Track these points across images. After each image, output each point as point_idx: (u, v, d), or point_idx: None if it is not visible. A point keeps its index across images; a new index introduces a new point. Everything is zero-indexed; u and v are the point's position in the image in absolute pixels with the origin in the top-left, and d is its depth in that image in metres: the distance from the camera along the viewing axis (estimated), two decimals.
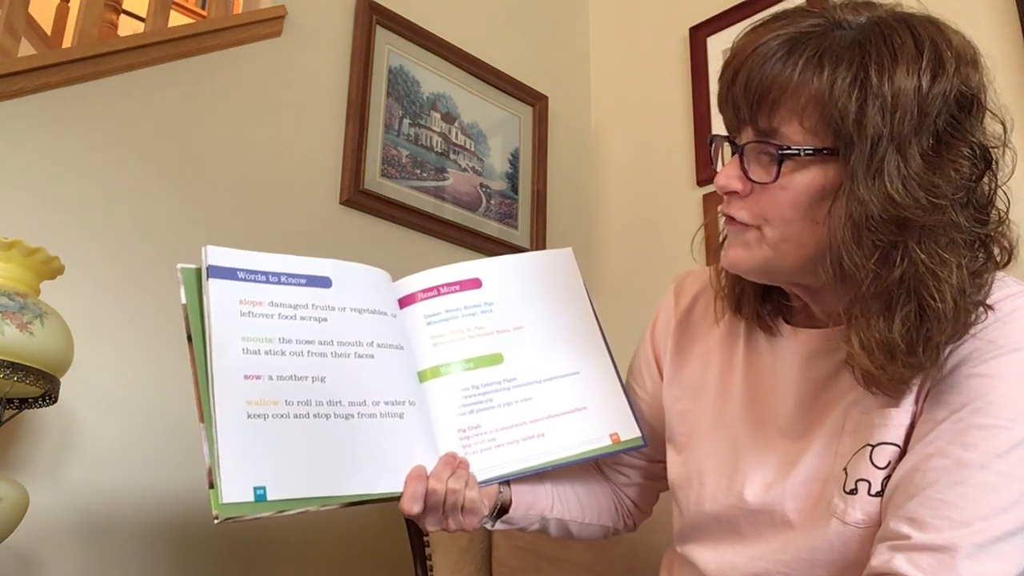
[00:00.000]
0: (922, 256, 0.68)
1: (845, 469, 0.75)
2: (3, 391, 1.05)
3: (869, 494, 0.73)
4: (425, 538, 1.29)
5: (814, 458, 0.78)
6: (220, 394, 0.77)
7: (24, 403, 1.14)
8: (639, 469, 1.02)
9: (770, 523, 0.80)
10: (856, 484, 0.74)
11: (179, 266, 0.83)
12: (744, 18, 1.98)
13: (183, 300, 0.82)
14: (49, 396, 1.14)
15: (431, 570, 1.28)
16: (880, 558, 0.69)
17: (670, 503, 0.96)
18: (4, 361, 1.01)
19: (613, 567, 1.32)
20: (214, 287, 0.82)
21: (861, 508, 0.73)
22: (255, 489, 0.75)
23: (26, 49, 2.14)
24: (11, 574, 1.21)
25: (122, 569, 1.31)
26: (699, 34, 2.10)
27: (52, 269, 1.13)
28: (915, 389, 0.73)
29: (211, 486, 0.74)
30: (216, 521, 0.73)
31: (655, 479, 1.03)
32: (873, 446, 0.74)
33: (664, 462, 0.95)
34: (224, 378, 0.78)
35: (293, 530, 1.50)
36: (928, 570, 0.66)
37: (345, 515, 1.57)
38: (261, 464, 0.76)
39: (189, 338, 0.80)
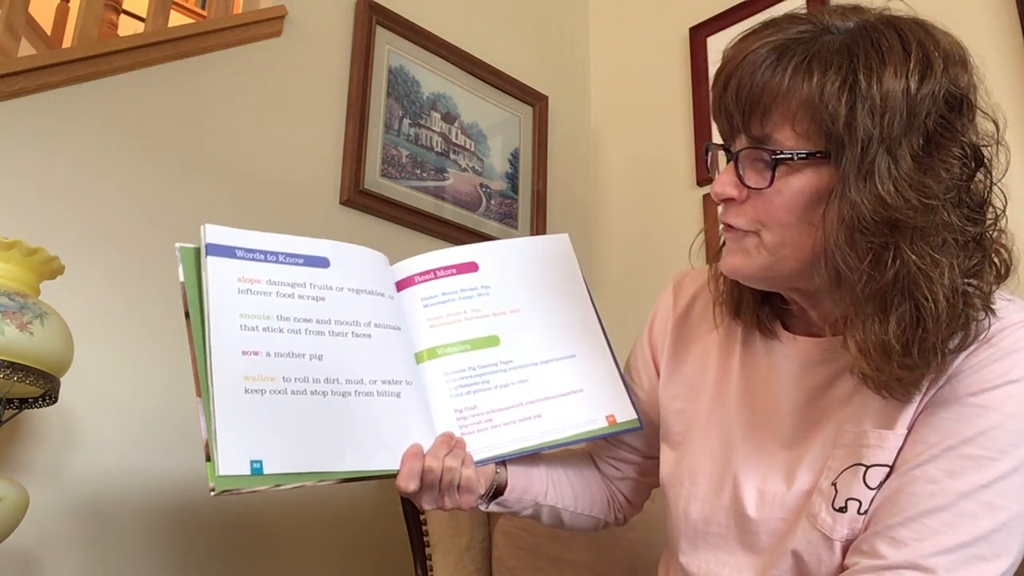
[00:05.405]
0: (913, 257, 0.67)
1: (835, 484, 0.75)
2: (3, 391, 1.05)
3: (858, 512, 0.74)
4: (425, 538, 1.29)
5: (806, 471, 0.78)
6: (218, 369, 0.77)
7: (24, 403, 1.14)
8: (634, 464, 1.02)
9: (756, 531, 0.81)
10: (846, 502, 0.74)
11: (177, 245, 0.84)
12: (744, 18, 1.98)
13: (181, 278, 0.82)
14: (49, 396, 1.14)
15: (431, 570, 1.28)
16: None
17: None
18: (4, 361, 1.01)
19: (613, 567, 1.32)
20: (212, 265, 0.83)
21: (848, 525, 0.74)
22: (251, 462, 0.74)
23: (26, 49, 2.14)
24: (11, 574, 1.21)
25: (122, 569, 1.31)
26: (699, 34, 2.10)
27: (52, 269, 1.13)
28: (912, 412, 0.73)
29: (208, 459, 0.74)
30: (212, 494, 0.72)
31: (648, 475, 1.03)
32: (867, 467, 0.74)
33: (659, 459, 0.95)
34: (222, 353, 0.78)
35: (293, 531, 1.50)
36: None
37: (345, 513, 1.57)
38: (258, 438, 0.76)
39: (187, 315, 0.80)
